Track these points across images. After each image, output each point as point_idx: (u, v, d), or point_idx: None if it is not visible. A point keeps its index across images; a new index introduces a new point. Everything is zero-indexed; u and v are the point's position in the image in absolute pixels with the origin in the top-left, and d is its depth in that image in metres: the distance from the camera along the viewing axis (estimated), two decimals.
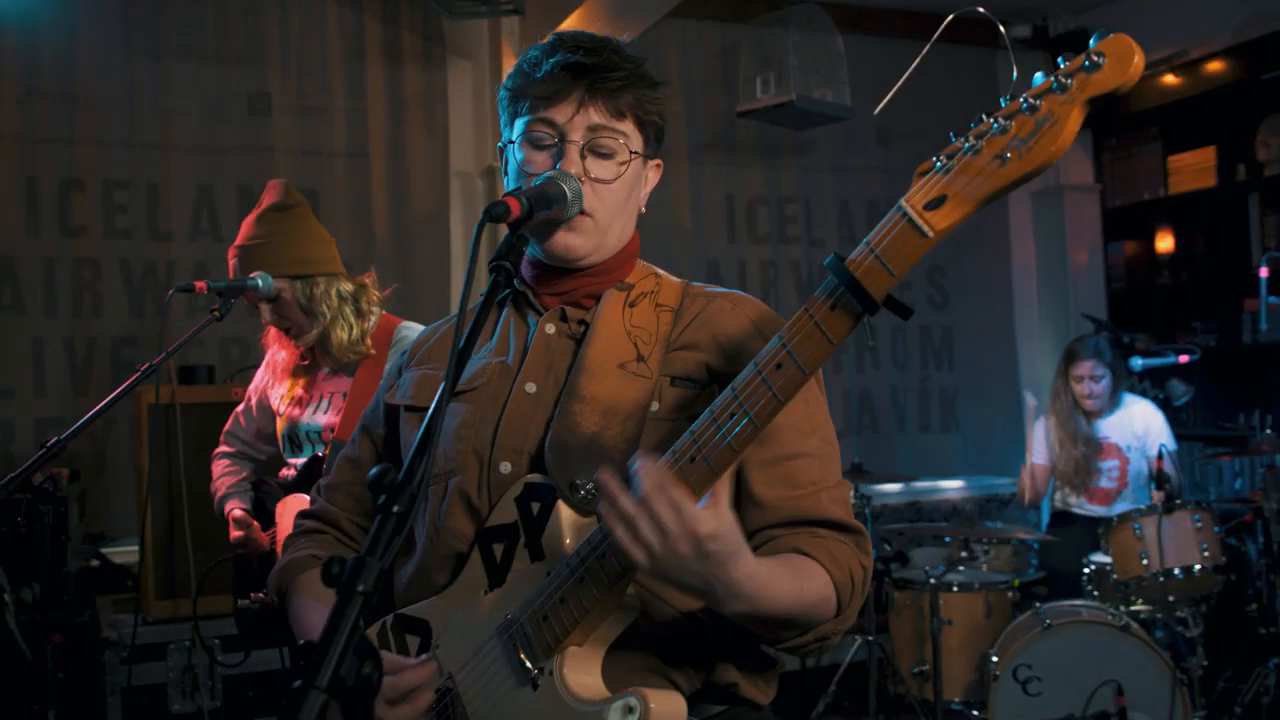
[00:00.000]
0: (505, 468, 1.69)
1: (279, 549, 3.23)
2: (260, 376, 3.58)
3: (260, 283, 3.11)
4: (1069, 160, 7.25)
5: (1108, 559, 4.77)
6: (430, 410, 1.36)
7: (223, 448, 3.67)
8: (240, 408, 3.66)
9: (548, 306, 1.82)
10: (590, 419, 1.65)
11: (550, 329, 1.79)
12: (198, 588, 3.73)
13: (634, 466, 1.37)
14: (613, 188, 1.73)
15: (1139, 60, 1.16)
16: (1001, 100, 1.24)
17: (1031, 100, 1.20)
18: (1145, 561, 4.58)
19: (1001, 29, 1.81)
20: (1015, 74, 1.26)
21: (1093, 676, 4.25)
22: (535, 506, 1.60)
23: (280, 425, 3.42)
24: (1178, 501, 4.63)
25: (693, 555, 1.37)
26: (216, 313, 3.05)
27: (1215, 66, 6.41)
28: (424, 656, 1.67)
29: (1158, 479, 4.72)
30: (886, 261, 1.30)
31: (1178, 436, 5.56)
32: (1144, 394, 5.88)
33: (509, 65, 5.79)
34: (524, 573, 1.58)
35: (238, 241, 3.24)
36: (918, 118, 6.92)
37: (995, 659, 4.35)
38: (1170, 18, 6.59)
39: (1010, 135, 1.22)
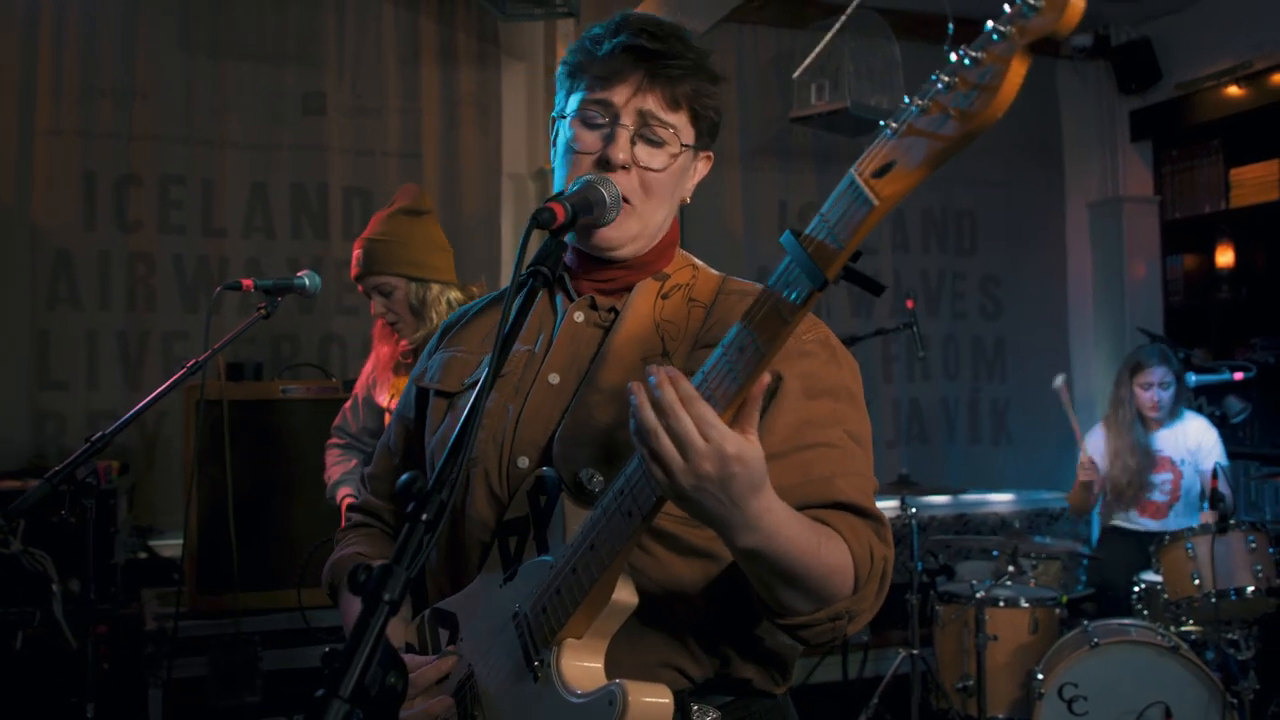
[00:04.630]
0: (523, 462, 1.66)
1: None
2: (367, 372, 3.69)
3: (307, 282, 3.16)
4: (1128, 171, 7.16)
5: (1158, 578, 4.69)
6: (462, 417, 1.35)
7: (333, 440, 3.81)
8: (348, 404, 3.78)
9: (581, 292, 1.78)
10: (605, 411, 1.61)
11: (579, 317, 1.76)
12: (300, 577, 3.83)
13: (651, 376, 1.33)
14: (659, 177, 1.68)
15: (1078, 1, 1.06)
16: (950, 58, 1.14)
17: (971, 54, 1.11)
18: (1197, 582, 4.49)
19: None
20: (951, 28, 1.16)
21: (1140, 697, 4.17)
22: (543, 500, 1.58)
23: (389, 420, 3.50)
24: (1232, 522, 4.54)
25: (715, 475, 1.31)
26: (264, 310, 3.07)
27: (1279, 78, 6.30)
28: (449, 648, 1.68)
29: (1211, 498, 4.63)
30: (837, 235, 1.23)
31: (1232, 454, 5.46)
32: (1199, 410, 5.78)
33: None
34: (531, 566, 1.57)
35: (365, 234, 3.43)
36: None
37: (1041, 676, 4.28)
38: (1234, 28, 6.48)
39: (953, 92, 1.12)
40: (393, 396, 3.52)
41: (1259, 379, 5.62)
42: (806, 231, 1.26)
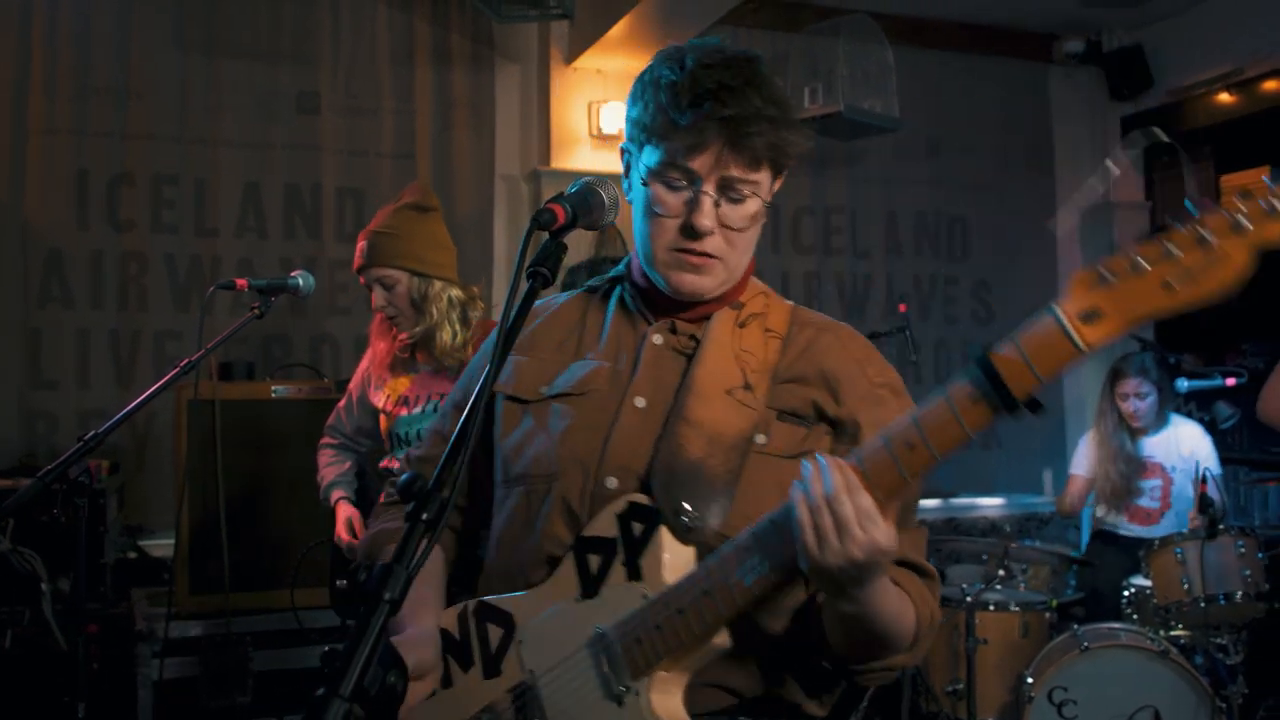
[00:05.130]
0: (612, 483, 1.68)
1: None
2: (362, 371, 3.69)
3: (300, 282, 3.20)
4: (1120, 177, 7.19)
5: (1148, 582, 4.70)
6: (464, 415, 1.37)
7: (326, 440, 3.80)
8: (342, 403, 3.78)
9: (655, 311, 1.82)
10: (696, 444, 1.65)
11: (658, 340, 1.79)
12: (294, 578, 3.87)
13: (821, 459, 1.43)
14: (744, 234, 1.72)
15: None
16: (1177, 224, 1.22)
17: (1205, 234, 1.18)
18: (1186, 586, 4.50)
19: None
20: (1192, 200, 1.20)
21: (1130, 701, 4.18)
22: (638, 527, 1.61)
23: (386, 423, 3.55)
24: (1221, 527, 4.55)
25: (863, 561, 1.41)
26: (257, 310, 3.08)
27: (1271, 86, 6.33)
28: (506, 651, 1.70)
29: (1200, 503, 4.64)
30: (1034, 364, 1.30)
31: (1222, 460, 5.47)
32: (1189, 415, 5.79)
33: (556, 69, 5.85)
34: (620, 589, 1.61)
35: (371, 226, 3.44)
36: (967, 131, 6.89)
37: (1030, 680, 4.29)
38: (1225, 35, 6.51)
39: (1179, 264, 1.19)
40: (389, 398, 3.52)
41: (1248, 385, 5.63)
42: (999, 350, 1.33)
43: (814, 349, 1.77)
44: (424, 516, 1.20)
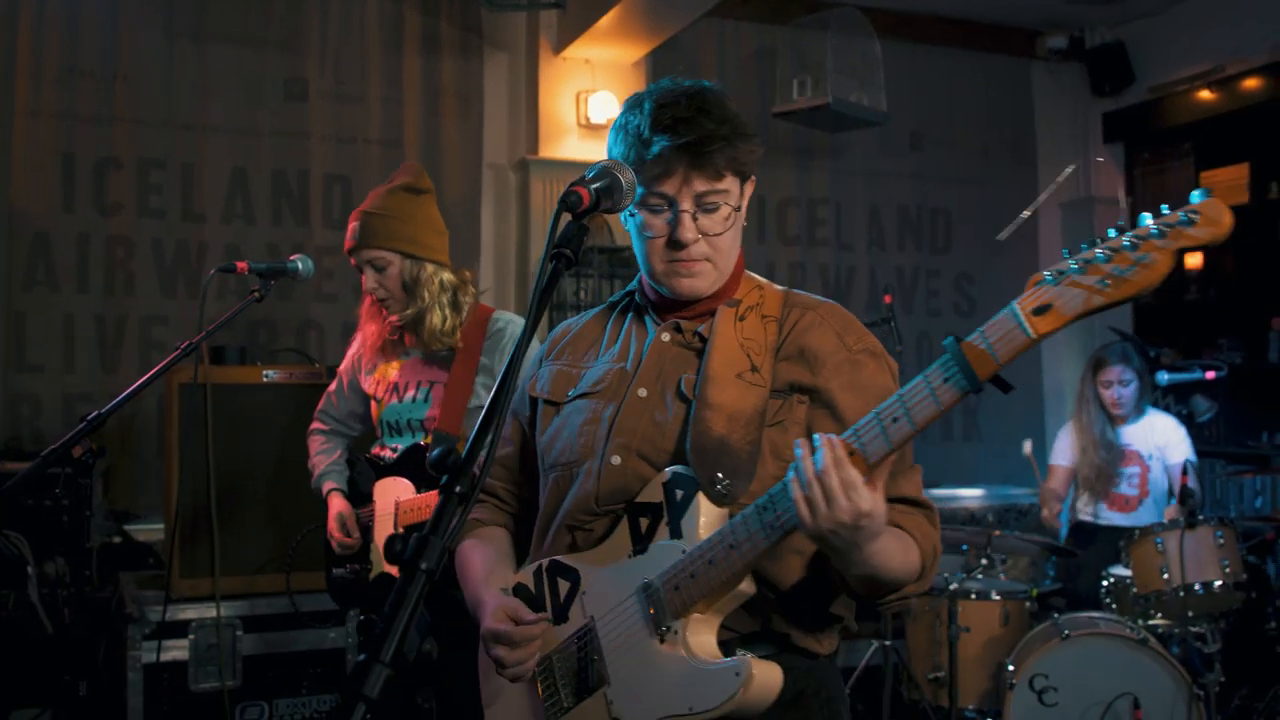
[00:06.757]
0: (615, 460, 1.96)
1: (375, 525, 3.37)
2: (352, 354, 3.66)
3: (300, 266, 3.19)
4: (1100, 172, 7.26)
5: (1128, 572, 4.75)
6: (490, 399, 1.41)
7: (316, 425, 3.77)
8: (332, 387, 3.74)
9: (664, 317, 2.08)
10: (719, 423, 1.90)
11: (666, 337, 2.06)
12: (290, 561, 3.84)
13: (817, 440, 1.65)
14: (724, 237, 1.98)
15: (1228, 222, 1.40)
16: (1110, 231, 1.47)
17: (1134, 239, 1.44)
18: (1166, 576, 4.56)
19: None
20: (1122, 216, 1.46)
21: (1109, 689, 4.24)
22: (679, 494, 1.87)
23: (377, 410, 3.52)
24: (1201, 517, 4.62)
25: (849, 523, 1.63)
26: (257, 293, 3.09)
27: (1251, 84, 6.40)
28: (573, 601, 1.97)
29: (1181, 494, 4.70)
30: (994, 350, 1.57)
31: (1199, 453, 5.54)
32: (1167, 409, 5.86)
33: (545, 58, 5.87)
34: (665, 547, 1.87)
35: (363, 207, 3.40)
36: (951, 125, 6.94)
37: (1011, 668, 4.35)
38: (1207, 34, 6.58)
39: (1111, 264, 1.45)
40: (379, 384, 3.50)
41: (1225, 379, 5.71)
42: (968, 339, 1.59)
43: (799, 328, 2.01)
44: (457, 490, 1.23)
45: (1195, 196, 1.42)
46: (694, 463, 1.88)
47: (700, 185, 1.92)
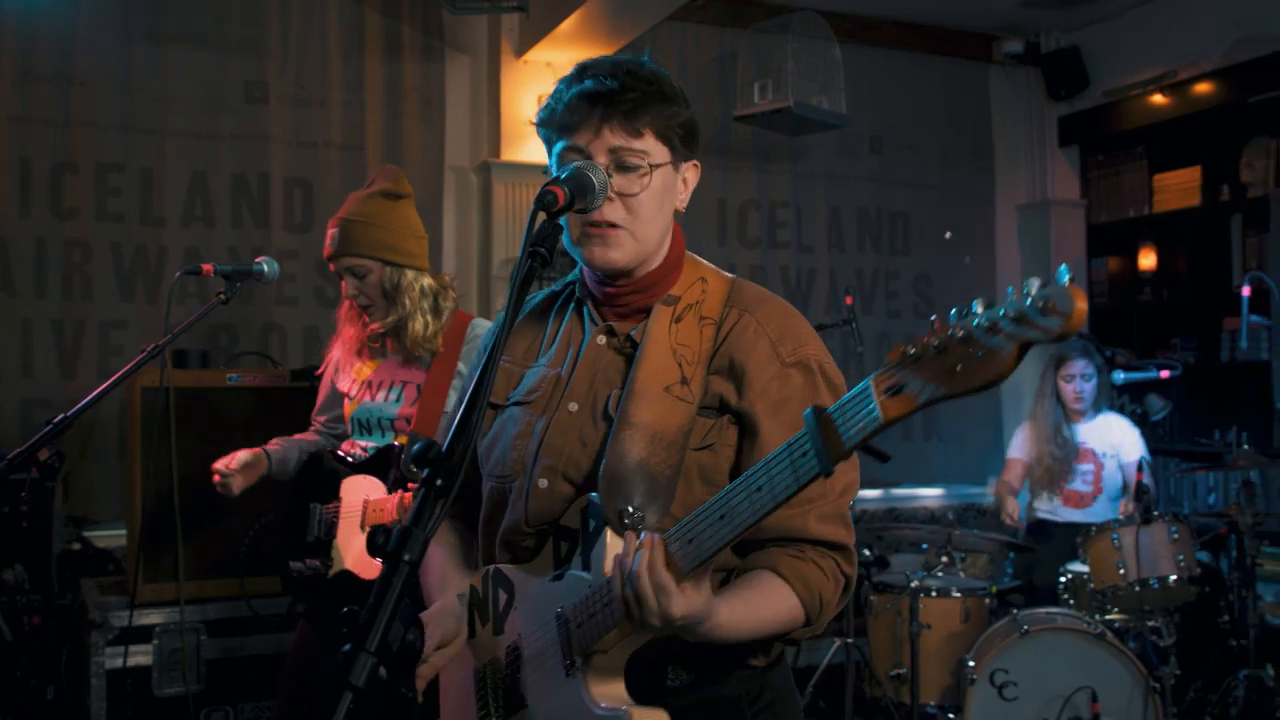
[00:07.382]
0: (542, 483, 1.86)
1: (341, 522, 3.34)
2: (334, 360, 3.63)
3: (265, 268, 3.18)
4: (1056, 175, 7.35)
5: (1085, 568, 4.83)
6: (468, 394, 1.41)
7: (312, 429, 3.75)
8: (321, 396, 3.72)
9: (605, 318, 1.95)
10: (637, 446, 1.78)
11: (601, 340, 1.93)
12: (244, 560, 3.84)
13: (641, 536, 1.57)
14: (640, 199, 1.83)
15: (1079, 315, 1.17)
16: (973, 304, 1.28)
17: (987, 324, 1.25)
18: (1122, 571, 4.64)
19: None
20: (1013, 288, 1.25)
21: (1068, 683, 4.31)
22: (592, 523, 1.77)
23: (349, 407, 3.50)
24: (1155, 513, 4.70)
25: (662, 626, 1.57)
26: (223, 295, 3.08)
27: (1203, 88, 6.50)
28: (509, 613, 1.91)
29: (1136, 490, 4.78)
30: (846, 436, 1.40)
31: (1153, 451, 5.63)
32: (1122, 409, 5.95)
33: (507, 61, 5.87)
34: (575, 578, 1.78)
35: (341, 214, 3.36)
36: (910, 128, 7.01)
37: (972, 664, 4.40)
38: (1160, 38, 6.68)
39: (967, 348, 1.27)
40: (354, 382, 3.50)
41: (1179, 378, 5.80)
42: (829, 412, 1.41)
43: (733, 334, 1.87)
44: (437, 483, 1.24)
45: (1058, 276, 1.20)
46: (604, 491, 1.77)
47: (614, 139, 1.81)
